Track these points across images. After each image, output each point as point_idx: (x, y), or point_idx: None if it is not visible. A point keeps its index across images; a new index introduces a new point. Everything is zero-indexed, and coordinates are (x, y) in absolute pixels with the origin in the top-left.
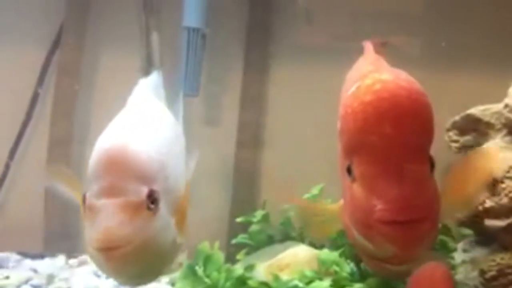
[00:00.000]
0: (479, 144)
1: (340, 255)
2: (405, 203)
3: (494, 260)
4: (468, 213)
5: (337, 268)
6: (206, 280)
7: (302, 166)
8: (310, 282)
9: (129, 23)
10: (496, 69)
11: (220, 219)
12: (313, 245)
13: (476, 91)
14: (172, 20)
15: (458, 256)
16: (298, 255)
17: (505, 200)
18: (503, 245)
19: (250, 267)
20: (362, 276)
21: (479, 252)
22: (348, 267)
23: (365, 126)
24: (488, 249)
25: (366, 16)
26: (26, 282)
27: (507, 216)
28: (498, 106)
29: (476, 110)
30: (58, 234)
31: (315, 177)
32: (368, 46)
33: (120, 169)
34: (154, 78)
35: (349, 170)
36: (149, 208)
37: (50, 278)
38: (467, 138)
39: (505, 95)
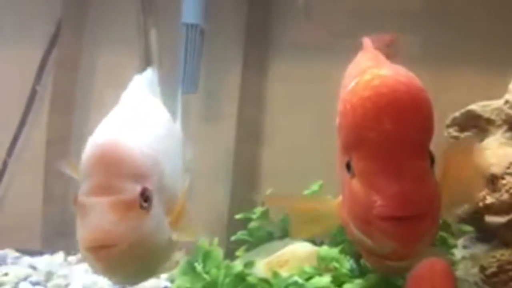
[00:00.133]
0: (479, 140)
1: (340, 252)
2: (404, 199)
3: (494, 257)
4: (468, 209)
5: (337, 265)
6: (205, 276)
7: (301, 163)
8: (309, 278)
9: (127, 20)
10: (496, 65)
11: (219, 215)
12: (312, 241)
13: (477, 87)
14: (171, 16)
15: (458, 253)
16: (297, 252)
17: (505, 196)
18: (504, 242)
19: (249, 264)
20: (362, 272)
21: (479, 249)
22: (348, 263)
23: (364, 121)
24: (489, 246)
25: (365, 13)
26: (24, 279)
27: (507, 213)
28: (498, 102)
29: (476, 106)
30: (57, 231)
31: (314, 174)
32: (367, 42)
33: (112, 167)
34: (149, 75)
35: (348, 166)
36: (142, 207)
37: (49, 275)
38: (467, 134)
39: (505, 91)
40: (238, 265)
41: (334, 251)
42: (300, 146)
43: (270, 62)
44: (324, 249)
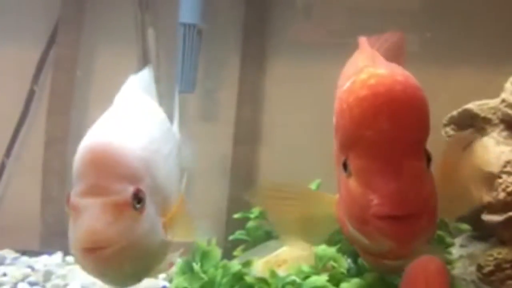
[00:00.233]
0: (476, 139)
1: (337, 251)
2: (401, 198)
3: (491, 255)
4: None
5: (334, 264)
6: (203, 276)
7: (299, 163)
8: (307, 277)
9: (125, 19)
10: (492, 64)
11: (217, 215)
12: None
13: (473, 86)
14: (168, 16)
15: (456, 251)
16: (295, 251)
17: (502, 195)
18: (501, 240)
19: (247, 263)
20: (359, 272)
21: (476, 247)
22: (345, 262)
23: (361, 121)
24: (486, 244)
25: (363, 12)
26: (23, 279)
27: (504, 211)
28: (495, 101)
29: (473, 105)
30: (55, 231)
31: (312, 173)
32: (363, 41)
33: (104, 168)
34: (145, 74)
35: (344, 165)
36: (134, 208)
37: (47, 275)
38: (464, 133)
39: (501, 90)
40: (235, 265)
41: (332, 250)
42: (298, 146)
43: (268, 62)
44: (322, 248)
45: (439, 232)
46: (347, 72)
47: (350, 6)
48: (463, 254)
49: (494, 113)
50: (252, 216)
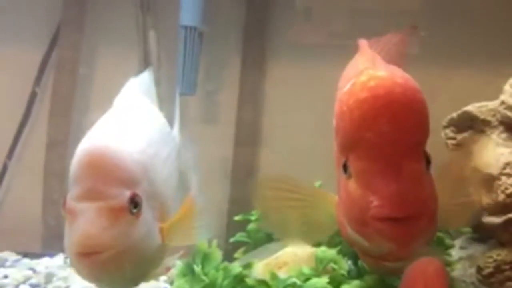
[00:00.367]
0: (475, 141)
1: (338, 253)
2: (400, 199)
3: (491, 257)
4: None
5: (335, 266)
6: (204, 278)
7: (300, 164)
8: (307, 279)
9: (126, 22)
10: (492, 66)
11: (218, 217)
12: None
13: (473, 88)
14: (169, 18)
15: (455, 253)
16: (296, 253)
17: (501, 197)
18: (500, 242)
19: (248, 265)
20: (359, 274)
21: (476, 249)
22: (345, 264)
23: (361, 123)
24: (485, 246)
25: (363, 14)
26: (24, 281)
27: (503, 213)
28: (494, 103)
29: (472, 107)
30: (57, 234)
31: (313, 175)
32: (363, 43)
33: (101, 172)
34: (145, 77)
35: (344, 167)
36: (131, 213)
37: (49, 277)
38: (464, 135)
39: (501, 92)
40: (236, 267)
41: (332, 252)
42: (298, 148)
43: (269, 64)
44: (322, 251)
45: (439, 234)
46: (348, 74)
47: (351, 8)
48: (462, 256)
49: (494, 115)
50: (252, 218)
